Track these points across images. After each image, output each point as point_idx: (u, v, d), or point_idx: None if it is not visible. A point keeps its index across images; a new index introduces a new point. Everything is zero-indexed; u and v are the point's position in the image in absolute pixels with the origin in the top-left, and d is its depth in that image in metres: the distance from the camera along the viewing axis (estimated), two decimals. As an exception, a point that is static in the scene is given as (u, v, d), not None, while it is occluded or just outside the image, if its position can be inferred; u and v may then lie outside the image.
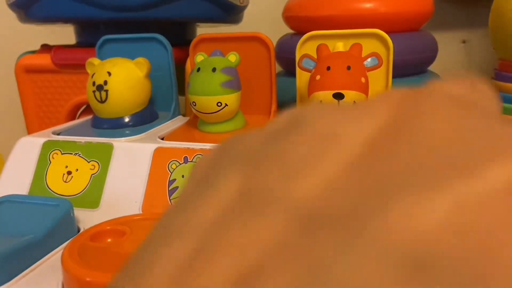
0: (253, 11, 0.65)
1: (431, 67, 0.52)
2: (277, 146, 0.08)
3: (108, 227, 0.28)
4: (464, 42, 0.74)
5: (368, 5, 0.44)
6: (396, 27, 0.45)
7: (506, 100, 0.44)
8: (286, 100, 0.45)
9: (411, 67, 0.47)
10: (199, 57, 0.39)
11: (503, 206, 0.06)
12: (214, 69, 0.37)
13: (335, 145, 0.07)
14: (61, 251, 0.26)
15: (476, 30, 0.71)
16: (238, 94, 0.38)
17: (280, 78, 0.53)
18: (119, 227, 0.28)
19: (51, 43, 0.56)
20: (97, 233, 0.28)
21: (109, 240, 0.28)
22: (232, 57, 0.39)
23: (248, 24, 0.63)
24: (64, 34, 0.61)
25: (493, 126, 0.07)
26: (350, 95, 0.34)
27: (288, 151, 0.08)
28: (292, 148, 0.08)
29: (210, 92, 0.37)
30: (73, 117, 0.51)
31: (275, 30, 0.56)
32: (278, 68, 0.56)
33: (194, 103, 0.38)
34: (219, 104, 0.37)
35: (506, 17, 0.43)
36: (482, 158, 0.06)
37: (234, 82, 0.38)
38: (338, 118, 0.08)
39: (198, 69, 0.38)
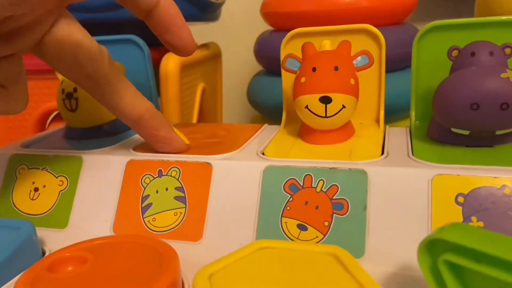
0: (232, 8, 0.62)
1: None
2: None
3: (68, 254, 0.25)
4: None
5: (348, -1, 0.41)
6: (380, 21, 0.42)
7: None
8: (268, 102, 0.42)
9: (397, 62, 0.44)
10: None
11: None
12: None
13: None
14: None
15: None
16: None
17: (261, 77, 0.50)
18: (80, 254, 0.25)
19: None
20: (56, 261, 0.25)
21: (69, 268, 0.25)
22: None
23: (227, 21, 0.60)
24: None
25: None
26: (338, 98, 0.31)
27: None
28: None
29: None
30: (42, 126, 0.48)
31: (257, 27, 0.53)
32: (258, 67, 0.53)
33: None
34: None
35: (492, 13, 0.39)
36: None
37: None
38: None
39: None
